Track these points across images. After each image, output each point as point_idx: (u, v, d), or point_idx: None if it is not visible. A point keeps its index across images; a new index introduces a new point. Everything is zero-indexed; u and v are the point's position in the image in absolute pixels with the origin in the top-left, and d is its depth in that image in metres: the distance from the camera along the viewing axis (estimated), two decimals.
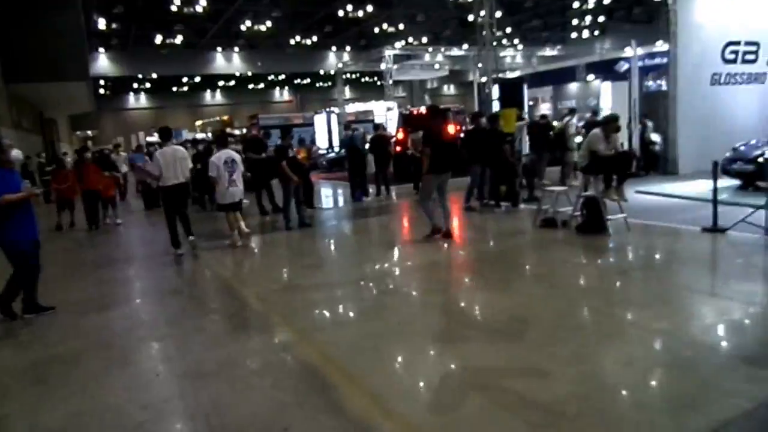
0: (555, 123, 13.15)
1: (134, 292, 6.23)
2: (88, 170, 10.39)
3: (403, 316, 4.63)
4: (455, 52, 23.27)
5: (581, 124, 12.71)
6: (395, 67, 22.45)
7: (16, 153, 5.03)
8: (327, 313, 4.92)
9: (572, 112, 12.40)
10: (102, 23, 30.08)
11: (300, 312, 4.92)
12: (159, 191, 7.62)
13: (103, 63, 36.31)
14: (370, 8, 30.61)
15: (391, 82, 22.10)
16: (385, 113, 22.34)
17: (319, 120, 26.49)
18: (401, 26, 35.68)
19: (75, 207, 10.70)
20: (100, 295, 5.88)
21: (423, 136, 7.80)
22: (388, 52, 21.71)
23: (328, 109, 27.62)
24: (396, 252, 7.28)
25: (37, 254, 5.11)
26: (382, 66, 22.98)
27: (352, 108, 29.92)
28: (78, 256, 8.42)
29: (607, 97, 21.46)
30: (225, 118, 37.20)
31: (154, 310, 5.39)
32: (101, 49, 35.68)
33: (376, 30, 36.50)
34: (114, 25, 32.06)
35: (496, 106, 14.98)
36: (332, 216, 10.96)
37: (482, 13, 17.42)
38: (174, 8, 28.69)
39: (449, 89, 56.82)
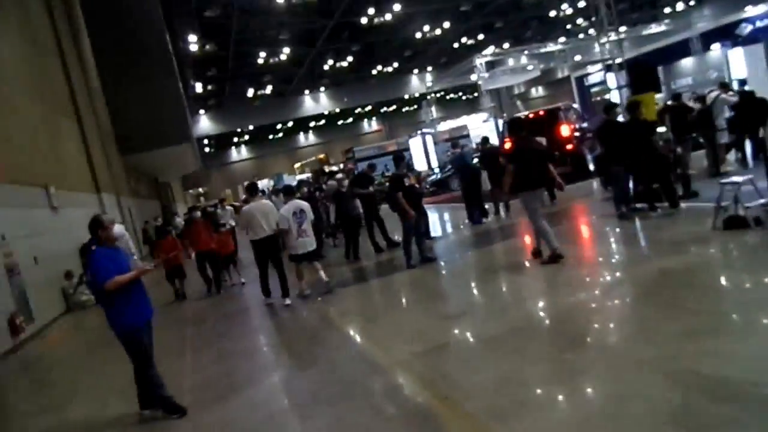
0: (690, 103, 11.17)
1: (257, 368, 5.40)
2: (199, 230, 9.98)
3: (613, 387, 3.35)
4: (550, 47, 21.57)
5: (716, 97, 10.62)
6: (487, 75, 21.20)
7: (118, 229, 4.49)
8: (498, 387, 3.67)
9: (724, 86, 10.36)
10: (199, 87, 32.07)
11: (461, 386, 3.78)
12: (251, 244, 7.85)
13: (204, 123, 38.75)
14: (447, 24, 29.81)
15: (485, 91, 20.82)
16: (481, 125, 21.15)
17: (415, 143, 25.77)
18: (480, 36, 34.56)
19: (185, 275, 9.95)
20: (219, 377, 5.17)
21: (507, 152, 7.04)
22: (479, 60, 20.49)
23: (422, 131, 26.82)
24: (551, 284, 5.95)
25: (150, 333, 4.48)
26: (473, 77, 21.84)
27: (445, 126, 28.96)
28: (193, 326, 7.84)
29: (739, 66, 18.61)
30: (321, 156, 37.94)
31: (282, 394, 4.52)
32: (201, 111, 38.13)
33: (456, 45, 35.65)
34: (209, 87, 34.14)
35: (614, 97, 13.16)
36: (454, 245, 9.82)
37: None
38: (260, 61, 29.87)
39: (537, 91, 54.30)
